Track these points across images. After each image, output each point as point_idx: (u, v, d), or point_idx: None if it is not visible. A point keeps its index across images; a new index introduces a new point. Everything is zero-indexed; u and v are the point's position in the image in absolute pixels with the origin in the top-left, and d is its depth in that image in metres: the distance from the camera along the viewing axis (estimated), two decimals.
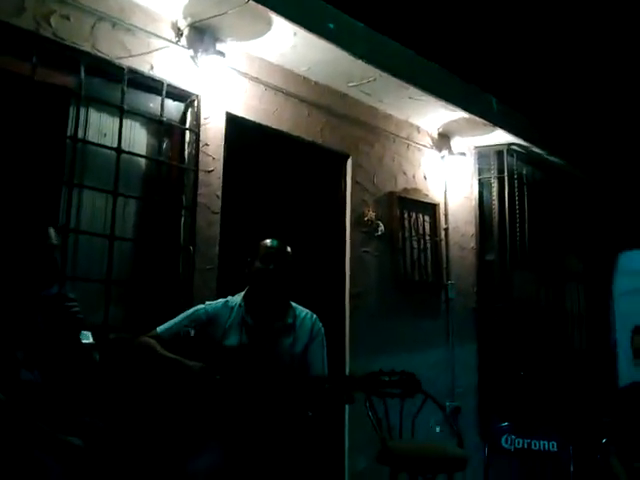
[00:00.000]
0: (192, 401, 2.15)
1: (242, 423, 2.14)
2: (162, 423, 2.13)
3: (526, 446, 3.15)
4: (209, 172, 2.99)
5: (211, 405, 2.14)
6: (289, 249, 2.41)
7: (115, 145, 2.69)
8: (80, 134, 2.62)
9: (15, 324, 1.79)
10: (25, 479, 1.60)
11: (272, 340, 2.32)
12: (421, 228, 4.12)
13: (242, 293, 2.42)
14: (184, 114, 2.98)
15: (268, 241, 2.40)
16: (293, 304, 2.45)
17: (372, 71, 3.43)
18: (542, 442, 3.13)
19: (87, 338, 2.03)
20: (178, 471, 2.02)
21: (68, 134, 2.59)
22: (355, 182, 3.76)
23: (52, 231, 1.89)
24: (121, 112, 2.71)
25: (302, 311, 2.45)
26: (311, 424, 2.30)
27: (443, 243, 4.22)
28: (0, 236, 1.87)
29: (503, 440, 3.19)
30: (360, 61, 3.31)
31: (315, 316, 2.46)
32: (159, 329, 2.31)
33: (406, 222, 4.02)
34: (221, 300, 2.42)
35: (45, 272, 1.86)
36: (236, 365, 2.19)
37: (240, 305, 2.36)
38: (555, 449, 3.11)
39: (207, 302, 2.42)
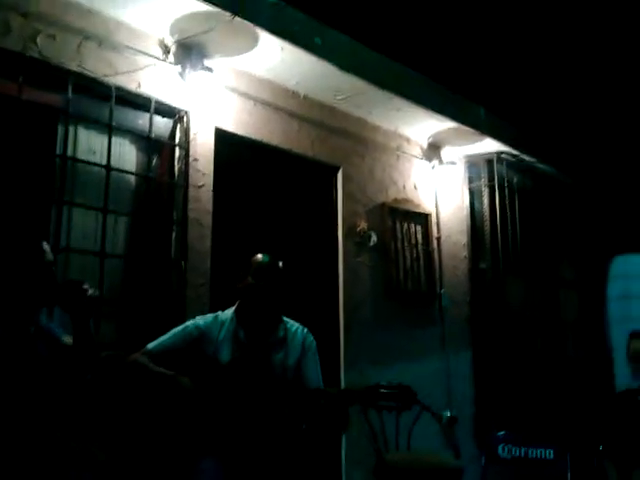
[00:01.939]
0: (186, 416, 2.14)
1: (237, 438, 2.13)
2: (158, 440, 2.12)
3: (523, 454, 3.14)
4: (199, 187, 2.99)
5: (205, 421, 2.13)
6: (280, 264, 2.41)
7: (104, 162, 2.70)
8: (69, 152, 2.63)
9: (18, 350, 1.79)
10: None
11: (264, 354, 2.32)
12: (413, 238, 4.14)
13: (232, 308, 2.42)
14: (173, 130, 3.00)
15: (259, 256, 2.41)
16: (285, 318, 2.45)
17: (360, 84, 3.46)
18: (539, 450, 3.11)
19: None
20: None
21: (57, 152, 2.60)
22: (346, 194, 3.77)
23: (47, 246, 1.89)
24: (109, 130, 2.72)
25: (293, 325, 2.45)
26: (305, 437, 2.29)
27: (435, 252, 4.23)
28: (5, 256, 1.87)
29: (500, 449, 3.17)
30: (347, 74, 3.34)
31: (306, 330, 2.46)
32: (150, 346, 2.30)
33: (398, 232, 4.03)
34: (211, 315, 2.42)
35: (44, 288, 1.86)
36: (229, 380, 2.18)
37: (232, 319, 2.36)
38: (552, 457, 3.09)
39: (197, 317, 2.41)
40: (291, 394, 2.25)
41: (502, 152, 4.58)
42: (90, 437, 1.89)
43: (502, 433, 3.25)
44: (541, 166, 4.95)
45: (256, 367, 2.26)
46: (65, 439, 1.75)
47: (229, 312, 2.41)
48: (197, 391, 2.13)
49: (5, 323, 1.80)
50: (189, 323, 2.38)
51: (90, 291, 1.90)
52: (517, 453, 3.14)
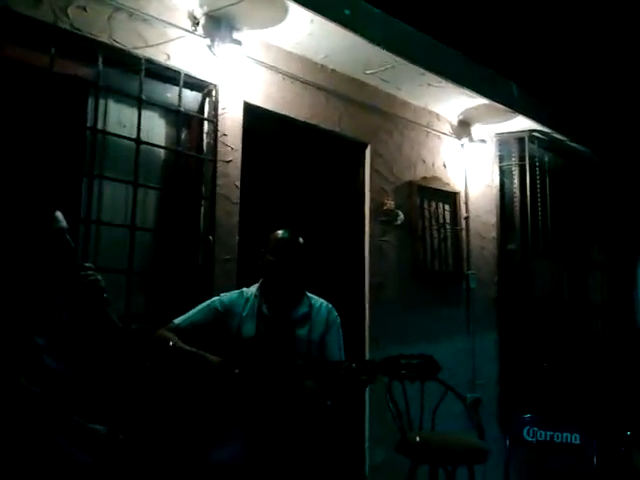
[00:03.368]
0: (213, 393, 2.15)
1: (262, 414, 2.14)
2: (184, 414, 2.14)
3: (548, 439, 3.11)
4: (227, 162, 2.98)
5: (231, 397, 2.15)
6: (301, 240, 2.39)
7: (134, 136, 2.69)
8: (99, 125, 2.63)
9: (34, 311, 1.81)
10: (56, 472, 1.62)
11: (288, 329, 2.32)
12: (441, 217, 4.08)
13: (257, 284, 2.43)
14: (202, 104, 2.97)
15: (280, 232, 2.39)
16: (308, 294, 2.44)
17: (389, 58, 3.38)
18: (565, 434, 3.08)
19: None
20: (200, 461, 2.03)
21: (87, 125, 2.60)
22: (374, 171, 3.72)
23: (59, 214, 1.90)
24: (139, 103, 2.71)
25: (317, 300, 2.44)
26: (330, 413, 2.30)
27: (463, 232, 4.17)
28: (15, 226, 1.89)
29: (525, 432, 3.15)
30: (377, 48, 3.26)
31: (330, 305, 2.45)
32: (177, 321, 2.31)
33: (426, 211, 3.98)
34: (236, 291, 2.43)
35: (58, 255, 1.87)
36: (254, 356, 2.19)
37: (256, 295, 2.37)
38: (578, 442, 3.06)
39: (222, 293, 2.42)
40: (316, 369, 2.25)
41: (534, 130, 4.47)
42: (99, 410, 1.90)
43: (528, 416, 3.22)
44: (574, 145, 4.82)
45: (280, 342, 2.26)
46: (69, 413, 1.76)
47: (253, 288, 2.41)
48: (224, 369, 2.14)
49: (25, 290, 1.81)
50: (215, 299, 2.39)
51: (91, 277, 1.90)
52: (542, 437, 3.11)
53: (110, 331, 1.98)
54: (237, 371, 2.13)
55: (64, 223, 1.91)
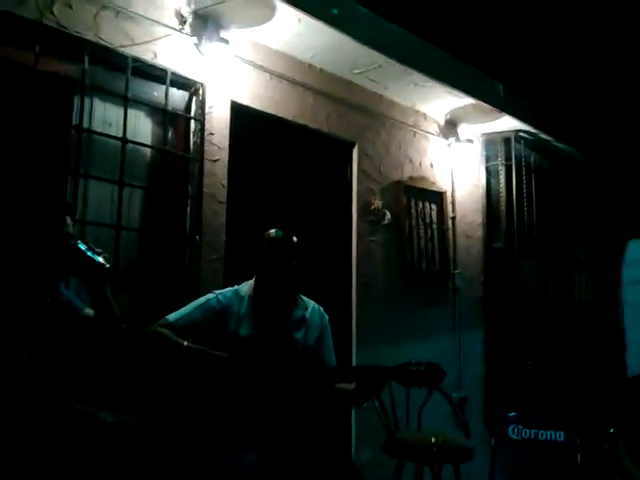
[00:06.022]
0: (221, 394, 2.10)
1: (272, 420, 2.11)
2: (197, 415, 2.10)
3: (533, 436, 3.15)
4: (214, 161, 2.97)
5: (240, 401, 2.10)
6: (295, 238, 2.36)
7: (120, 135, 2.67)
8: (85, 124, 2.60)
9: (27, 322, 1.78)
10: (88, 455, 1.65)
11: (285, 332, 2.29)
12: (428, 217, 4.10)
13: (249, 282, 2.37)
14: (189, 103, 2.96)
15: (273, 232, 2.34)
16: (300, 295, 2.42)
17: (377, 57, 3.39)
18: (549, 432, 3.12)
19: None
20: (221, 466, 1.97)
21: (73, 124, 2.58)
22: (361, 170, 3.73)
23: (69, 220, 1.88)
24: (125, 101, 2.69)
25: (309, 303, 2.42)
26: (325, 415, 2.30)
27: (450, 232, 4.20)
28: (12, 227, 1.86)
29: (510, 430, 3.18)
30: (365, 47, 3.27)
31: (322, 308, 2.43)
32: (171, 318, 2.20)
33: (413, 211, 4.00)
34: (230, 289, 2.35)
35: (61, 262, 1.85)
36: (256, 356, 2.15)
37: (250, 296, 2.30)
38: (562, 439, 3.10)
39: (216, 291, 2.34)
40: (333, 374, 2.26)
41: (520, 131, 4.51)
42: (103, 401, 1.91)
43: (513, 414, 3.25)
44: (559, 145, 4.87)
45: (278, 345, 2.23)
46: (67, 402, 1.77)
47: (247, 287, 2.34)
48: (233, 365, 2.09)
49: (20, 293, 1.80)
50: (210, 296, 2.29)
51: (100, 259, 1.88)
52: (527, 435, 3.15)
53: (108, 315, 1.95)
54: (246, 362, 2.09)
55: (71, 228, 1.89)
